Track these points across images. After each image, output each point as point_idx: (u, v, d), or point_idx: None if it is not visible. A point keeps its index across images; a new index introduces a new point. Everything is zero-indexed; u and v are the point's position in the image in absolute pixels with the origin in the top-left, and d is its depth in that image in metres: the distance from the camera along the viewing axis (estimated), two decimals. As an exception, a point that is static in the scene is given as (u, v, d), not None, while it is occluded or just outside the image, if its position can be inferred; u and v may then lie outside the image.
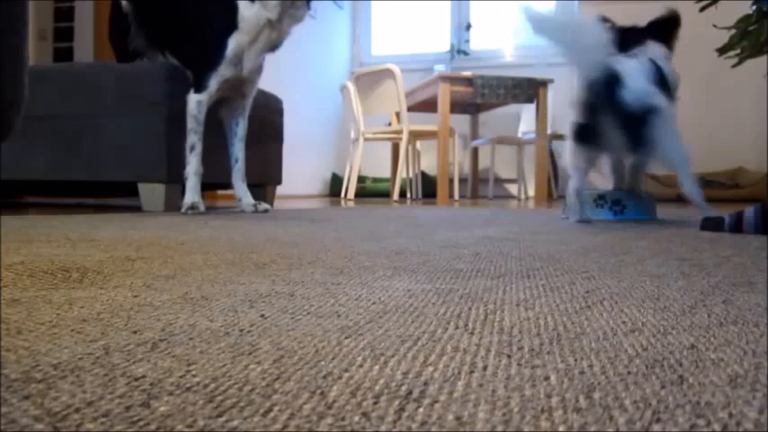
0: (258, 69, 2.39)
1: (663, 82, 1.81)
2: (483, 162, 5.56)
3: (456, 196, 4.82)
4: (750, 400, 0.33)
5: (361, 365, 0.38)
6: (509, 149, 5.47)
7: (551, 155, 5.21)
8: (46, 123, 2.49)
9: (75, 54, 5.36)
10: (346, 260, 0.91)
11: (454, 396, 0.33)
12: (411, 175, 5.27)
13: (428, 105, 4.62)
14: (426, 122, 4.75)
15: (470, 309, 0.57)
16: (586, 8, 5.18)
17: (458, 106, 4.78)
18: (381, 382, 0.35)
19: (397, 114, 4.79)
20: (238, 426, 0.29)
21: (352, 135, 4.83)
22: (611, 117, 1.74)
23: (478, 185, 5.60)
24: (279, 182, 3.19)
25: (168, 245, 1.09)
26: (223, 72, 2.23)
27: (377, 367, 0.38)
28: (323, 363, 0.39)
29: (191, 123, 2.24)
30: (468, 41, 6.21)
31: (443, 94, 4.14)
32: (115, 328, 0.47)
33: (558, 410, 0.31)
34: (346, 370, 0.37)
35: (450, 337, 0.46)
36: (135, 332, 0.46)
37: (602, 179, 2.20)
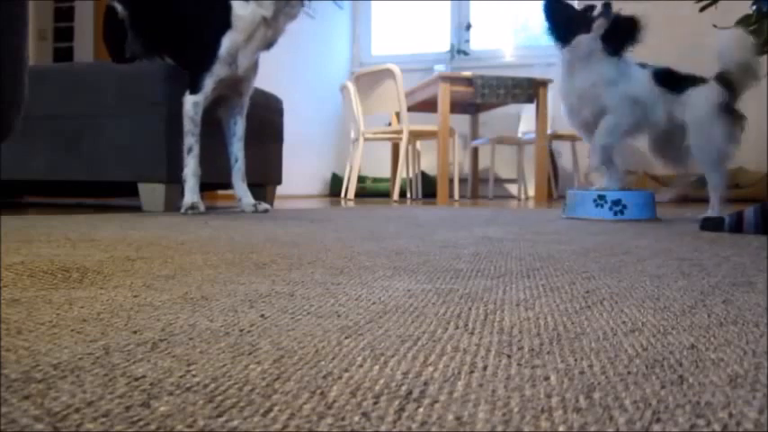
0: (254, 67, 2.38)
1: None
2: (483, 162, 5.55)
3: (456, 196, 4.82)
4: (750, 400, 0.33)
5: (361, 365, 0.38)
6: (509, 149, 5.47)
7: (551, 155, 5.21)
8: (46, 123, 2.49)
9: (75, 54, 5.36)
10: (346, 260, 0.91)
11: (454, 396, 0.33)
12: (411, 175, 5.27)
13: (428, 105, 4.62)
14: (426, 122, 4.75)
15: (470, 309, 0.57)
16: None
17: (458, 106, 4.78)
18: (381, 382, 0.35)
19: (397, 114, 4.79)
20: (238, 426, 0.29)
21: (352, 135, 4.83)
22: None
23: (478, 185, 5.60)
24: (279, 182, 3.19)
25: (168, 245, 1.09)
26: (218, 72, 2.23)
27: (377, 367, 0.38)
28: (323, 363, 0.39)
29: (187, 125, 2.23)
30: (468, 41, 6.21)
31: (443, 94, 4.14)
32: (115, 328, 0.47)
33: (558, 410, 0.31)
34: (346, 370, 0.37)
35: (450, 337, 0.46)
36: (135, 332, 0.46)
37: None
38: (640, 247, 1.13)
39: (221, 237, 1.27)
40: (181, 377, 0.35)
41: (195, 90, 2.24)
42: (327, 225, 1.67)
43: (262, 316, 0.52)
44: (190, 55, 2.33)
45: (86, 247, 1.04)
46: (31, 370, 0.36)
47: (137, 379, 0.35)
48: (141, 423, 0.29)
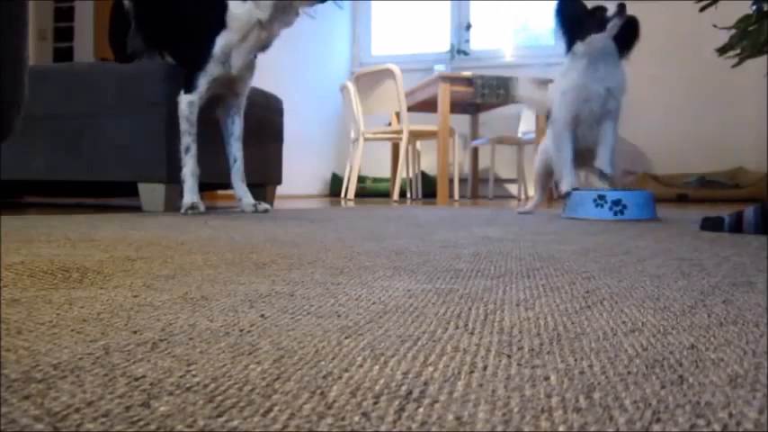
0: (250, 67, 2.38)
1: None
2: (483, 162, 5.56)
3: (456, 196, 4.82)
4: (750, 400, 0.33)
5: (361, 365, 0.38)
6: (509, 149, 5.47)
7: (551, 155, 5.20)
8: (46, 123, 2.49)
9: (75, 54, 5.36)
10: (346, 260, 0.91)
11: (454, 396, 0.33)
12: (411, 175, 5.27)
13: (428, 105, 4.62)
14: (426, 122, 4.75)
15: (470, 309, 0.57)
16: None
17: (458, 106, 4.78)
18: (381, 382, 0.35)
19: (397, 114, 4.79)
20: (238, 426, 0.29)
21: (352, 135, 4.83)
22: None
23: (478, 185, 5.60)
24: (279, 182, 3.19)
25: (168, 245, 1.09)
26: (212, 71, 2.23)
27: (377, 367, 0.38)
28: (323, 363, 0.39)
29: (183, 125, 2.24)
30: (468, 41, 6.21)
31: (443, 94, 4.14)
32: (115, 328, 0.47)
33: (558, 410, 0.31)
34: (346, 370, 0.37)
35: (450, 337, 0.46)
36: (135, 332, 0.46)
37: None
38: (640, 247, 1.13)
39: (221, 237, 1.27)
40: (181, 377, 0.35)
41: (190, 89, 2.24)
42: (327, 225, 1.67)
43: (262, 316, 0.52)
44: (186, 53, 2.33)
45: (86, 247, 1.04)
46: (31, 370, 0.36)
47: (137, 379, 0.35)
48: (141, 423, 0.29)
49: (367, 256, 0.96)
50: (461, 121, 5.42)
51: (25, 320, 0.49)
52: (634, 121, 4.62)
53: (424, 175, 5.51)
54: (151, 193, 2.39)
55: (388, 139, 5.00)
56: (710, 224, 1.53)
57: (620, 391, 0.34)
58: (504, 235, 1.42)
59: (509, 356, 0.41)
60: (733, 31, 2.13)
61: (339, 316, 0.53)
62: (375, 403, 0.32)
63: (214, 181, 2.51)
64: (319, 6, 5.27)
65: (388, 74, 4.37)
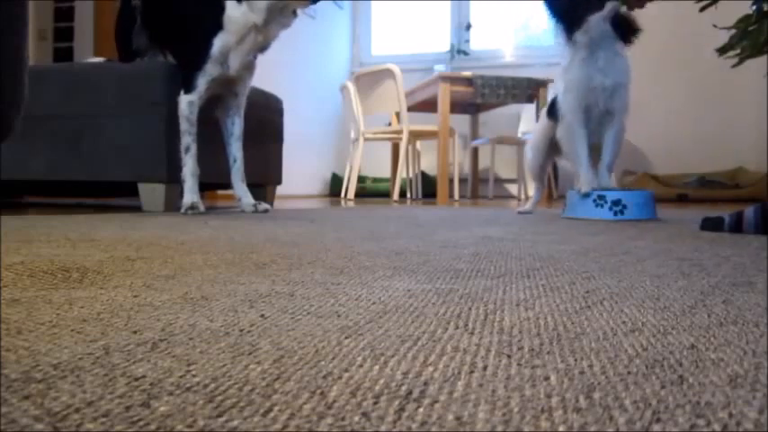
0: (248, 67, 2.38)
1: None
2: (483, 162, 5.55)
3: (456, 196, 4.82)
4: (750, 400, 0.33)
5: (361, 365, 0.38)
6: (509, 149, 5.47)
7: (551, 155, 5.20)
8: (46, 123, 2.49)
9: (75, 54, 5.36)
10: (346, 260, 0.91)
11: (454, 396, 0.33)
12: (411, 175, 5.27)
13: (428, 105, 4.62)
14: (426, 122, 4.75)
15: (470, 309, 0.57)
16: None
17: (458, 106, 4.78)
18: (381, 382, 0.35)
19: (397, 114, 4.79)
20: (238, 426, 0.29)
21: (352, 135, 4.83)
22: None
23: (478, 185, 5.60)
24: (279, 182, 3.19)
25: (168, 245, 1.09)
26: (210, 71, 2.23)
27: (377, 367, 0.38)
28: (323, 363, 0.39)
29: (183, 125, 2.24)
30: (468, 41, 6.21)
31: (443, 94, 4.14)
32: (115, 328, 0.47)
33: (558, 410, 0.31)
34: (346, 370, 0.37)
35: (450, 337, 0.46)
36: (135, 332, 0.46)
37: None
38: (640, 247, 1.13)
39: (221, 237, 1.27)
40: (181, 377, 0.35)
41: (189, 89, 2.24)
42: (327, 225, 1.67)
43: (262, 316, 0.52)
44: (185, 53, 2.33)
45: (86, 247, 1.04)
46: (31, 370, 0.36)
47: (137, 379, 0.35)
48: (141, 423, 0.29)
49: (367, 256, 0.96)
50: (461, 121, 5.42)
51: (25, 320, 0.49)
52: (634, 120, 4.61)
53: (424, 175, 5.51)
54: (151, 193, 2.39)
55: (388, 139, 5.00)
56: (710, 224, 1.53)
57: (620, 391, 0.34)
58: (504, 235, 1.42)
59: (509, 356, 0.41)
60: (733, 31, 2.13)
61: (339, 316, 0.53)
62: (375, 403, 0.32)
63: (214, 181, 2.51)
64: (319, 6, 5.28)
65: (388, 74, 4.37)
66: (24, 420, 0.29)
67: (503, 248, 1.11)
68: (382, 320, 0.51)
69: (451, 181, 4.74)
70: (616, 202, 2.03)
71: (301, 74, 5.41)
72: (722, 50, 2.18)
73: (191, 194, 2.25)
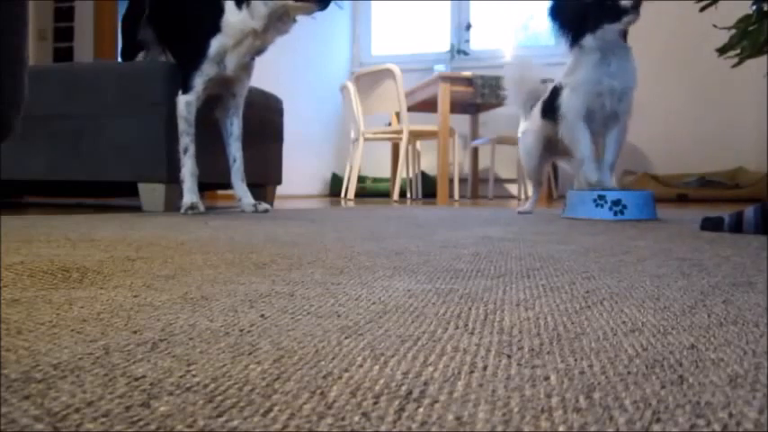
0: (246, 69, 2.38)
1: None
2: (483, 162, 5.55)
3: (456, 196, 4.82)
4: (750, 400, 0.33)
5: (361, 365, 0.38)
6: (509, 149, 5.46)
7: (551, 155, 5.21)
8: (46, 123, 2.49)
9: (75, 54, 5.36)
10: (346, 260, 0.91)
11: (454, 396, 0.33)
12: (411, 175, 5.27)
13: (428, 105, 4.62)
14: (426, 122, 4.75)
15: (470, 309, 0.57)
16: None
17: (458, 106, 4.78)
18: (381, 382, 0.35)
19: (397, 114, 4.79)
20: (238, 426, 0.29)
21: (352, 135, 4.83)
22: None
23: (478, 185, 5.60)
24: (279, 182, 3.19)
25: (168, 245, 1.09)
26: (207, 71, 2.24)
27: (377, 367, 0.38)
28: (323, 363, 0.39)
29: (182, 125, 2.24)
30: (468, 41, 6.21)
31: (443, 94, 4.14)
32: (115, 328, 0.47)
33: (558, 410, 0.31)
34: (346, 370, 0.37)
35: (450, 337, 0.46)
36: (135, 332, 0.46)
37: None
38: (640, 247, 1.13)
39: (221, 237, 1.27)
40: (181, 377, 0.35)
41: (187, 89, 2.25)
42: (327, 225, 1.67)
43: (262, 316, 0.52)
44: (184, 53, 2.34)
45: (86, 247, 1.04)
46: (31, 370, 0.36)
47: (137, 379, 0.35)
48: (141, 423, 0.29)
49: (367, 256, 0.96)
50: (461, 121, 5.41)
51: (25, 320, 0.49)
52: (634, 121, 4.60)
53: (424, 175, 5.51)
54: (151, 193, 2.39)
55: (388, 139, 5.00)
56: (710, 224, 1.53)
57: (620, 391, 0.34)
58: (504, 235, 1.42)
59: (509, 356, 0.41)
60: (733, 31, 2.13)
61: (339, 316, 0.53)
62: (375, 403, 0.32)
63: (214, 181, 2.51)
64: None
65: (388, 74, 4.37)
66: (24, 420, 0.29)
67: (503, 248, 1.11)
68: (382, 320, 0.51)
69: (451, 181, 4.74)
70: (616, 202, 2.03)
71: (301, 74, 5.41)
72: (722, 50, 2.18)
73: (190, 195, 2.25)
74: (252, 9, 2.17)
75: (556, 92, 2.25)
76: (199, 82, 2.24)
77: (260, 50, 2.33)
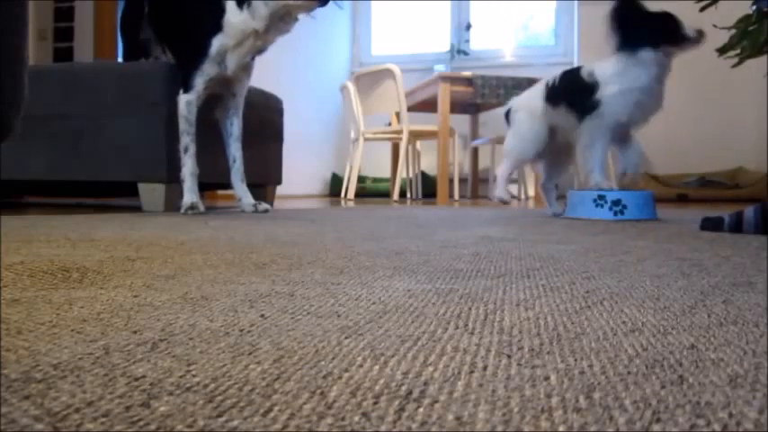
0: (246, 69, 2.38)
1: None
2: (483, 162, 5.55)
3: (456, 196, 4.82)
4: (750, 400, 0.33)
5: (361, 365, 0.38)
6: (509, 149, 5.46)
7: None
8: (46, 123, 2.49)
9: (75, 54, 5.36)
10: (346, 260, 0.91)
11: (454, 396, 0.33)
12: (411, 175, 5.27)
13: (428, 105, 4.61)
14: (426, 122, 4.75)
15: (470, 309, 0.57)
16: (586, 8, 5.17)
17: (458, 106, 4.77)
18: (381, 382, 0.35)
19: (397, 114, 4.79)
20: (238, 426, 0.29)
21: (352, 135, 4.83)
22: None
23: (478, 185, 5.60)
24: (279, 182, 3.19)
25: (168, 245, 1.09)
26: (207, 71, 2.24)
27: (377, 367, 0.38)
28: (323, 363, 0.39)
29: (182, 125, 2.24)
30: (468, 41, 6.21)
31: (443, 94, 4.14)
32: (115, 328, 0.47)
33: (558, 410, 0.31)
34: (346, 370, 0.37)
35: (451, 337, 0.46)
36: (135, 332, 0.46)
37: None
38: (640, 247, 1.13)
39: (221, 237, 1.27)
40: (181, 377, 0.35)
41: (187, 89, 2.25)
42: (327, 225, 1.67)
43: (262, 316, 0.52)
44: (184, 52, 2.34)
45: (86, 247, 1.04)
46: (31, 370, 0.36)
47: (137, 379, 0.35)
48: (141, 423, 0.29)
49: (367, 256, 0.96)
50: (461, 121, 5.41)
51: (25, 320, 0.49)
52: (634, 121, 4.62)
53: (424, 175, 5.51)
54: (151, 193, 2.39)
55: (388, 139, 5.00)
56: (710, 224, 1.53)
57: (620, 391, 0.34)
58: (504, 235, 1.42)
59: (509, 356, 0.41)
60: (733, 31, 2.13)
61: (339, 316, 0.53)
62: (375, 403, 0.32)
63: (214, 181, 2.51)
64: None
65: (388, 74, 4.37)
66: (24, 420, 0.29)
67: (503, 248, 1.11)
68: (382, 320, 0.51)
69: (451, 181, 4.74)
70: (616, 202, 2.03)
71: (301, 74, 5.41)
72: (722, 50, 2.18)
73: (190, 194, 2.25)
74: (253, 9, 2.17)
75: (575, 80, 2.20)
76: (199, 81, 2.24)
77: (261, 50, 2.34)
